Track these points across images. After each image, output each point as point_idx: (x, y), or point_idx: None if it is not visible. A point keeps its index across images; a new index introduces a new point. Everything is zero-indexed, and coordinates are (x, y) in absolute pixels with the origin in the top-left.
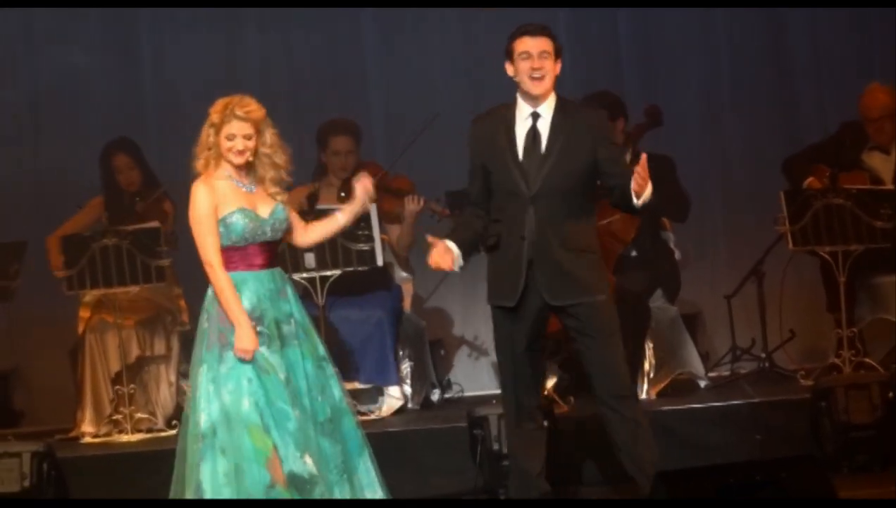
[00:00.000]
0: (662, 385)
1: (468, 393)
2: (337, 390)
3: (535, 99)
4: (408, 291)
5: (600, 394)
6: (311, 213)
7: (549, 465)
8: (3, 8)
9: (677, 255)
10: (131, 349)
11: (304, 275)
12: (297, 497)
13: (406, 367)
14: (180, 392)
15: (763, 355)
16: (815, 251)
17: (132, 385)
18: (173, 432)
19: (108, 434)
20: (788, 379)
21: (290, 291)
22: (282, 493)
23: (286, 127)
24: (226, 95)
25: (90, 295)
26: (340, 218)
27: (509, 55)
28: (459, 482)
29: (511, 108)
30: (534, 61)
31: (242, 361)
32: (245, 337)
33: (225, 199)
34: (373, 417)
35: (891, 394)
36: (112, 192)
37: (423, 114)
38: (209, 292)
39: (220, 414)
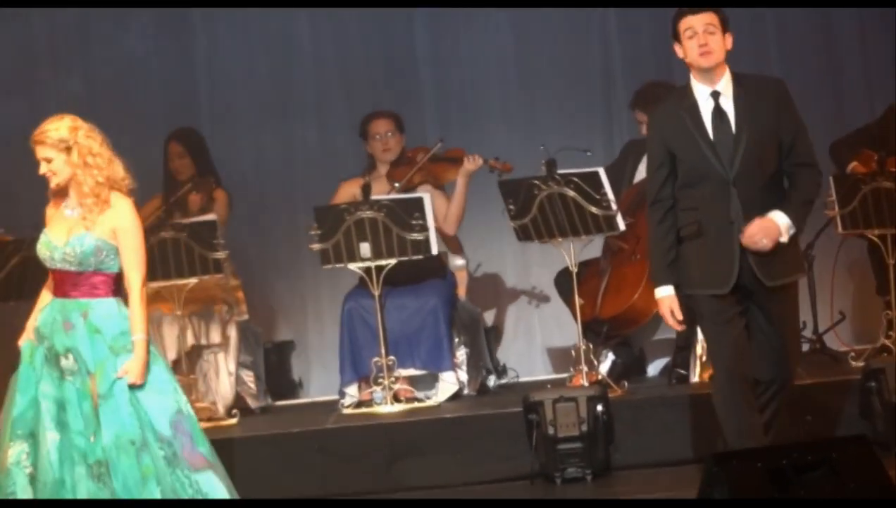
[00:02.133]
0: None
1: (523, 379)
2: (111, 430)
3: (709, 77)
4: (462, 278)
5: (773, 367)
6: (366, 203)
7: (605, 445)
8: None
9: None
10: (187, 338)
11: (360, 265)
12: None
13: (461, 354)
14: (240, 382)
15: (814, 337)
16: (864, 235)
17: (192, 375)
18: (233, 421)
19: None
20: (839, 361)
21: (82, 325)
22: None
23: (338, 119)
24: (276, 86)
25: (149, 288)
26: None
27: (676, 37)
28: (515, 467)
29: (688, 91)
30: (700, 37)
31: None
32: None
33: (48, 220)
34: (429, 403)
35: None
36: (168, 180)
37: (471, 105)
38: None
39: None
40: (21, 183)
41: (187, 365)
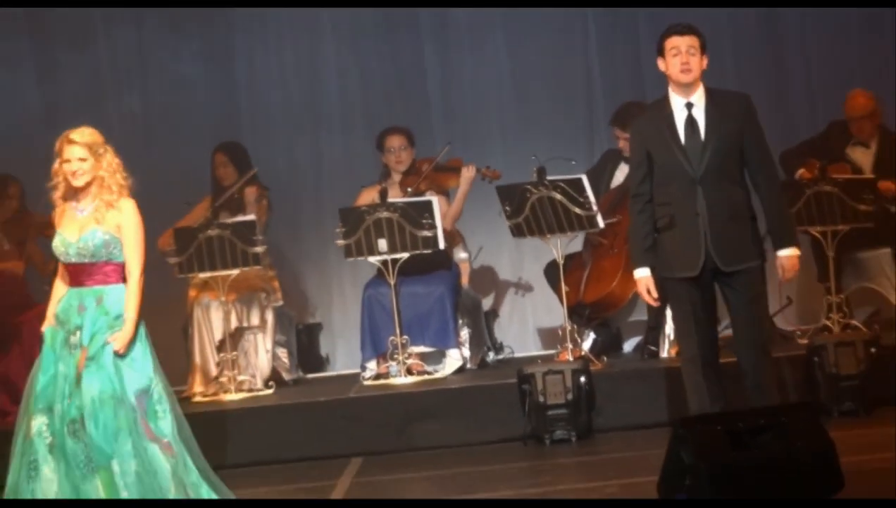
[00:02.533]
0: None
1: (517, 355)
2: (95, 386)
3: (686, 90)
4: (465, 269)
5: (746, 345)
6: (383, 206)
7: (587, 411)
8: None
9: None
10: (231, 321)
11: (378, 258)
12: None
13: (465, 333)
14: (275, 358)
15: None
16: (808, 231)
17: (234, 352)
18: (270, 391)
19: (214, 394)
20: (787, 339)
21: (94, 308)
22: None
23: (359, 133)
24: (306, 104)
25: (197, 278)
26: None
27: (661, 52)
28: (510, 430)
29: (666, 101)
30: (683, 56)
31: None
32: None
33: (59, 222)
34: (437, 375)
35: (873, 350)
36: (215, 185)
37: (472, 120)
38: None
39: None
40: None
41: (231, 344)
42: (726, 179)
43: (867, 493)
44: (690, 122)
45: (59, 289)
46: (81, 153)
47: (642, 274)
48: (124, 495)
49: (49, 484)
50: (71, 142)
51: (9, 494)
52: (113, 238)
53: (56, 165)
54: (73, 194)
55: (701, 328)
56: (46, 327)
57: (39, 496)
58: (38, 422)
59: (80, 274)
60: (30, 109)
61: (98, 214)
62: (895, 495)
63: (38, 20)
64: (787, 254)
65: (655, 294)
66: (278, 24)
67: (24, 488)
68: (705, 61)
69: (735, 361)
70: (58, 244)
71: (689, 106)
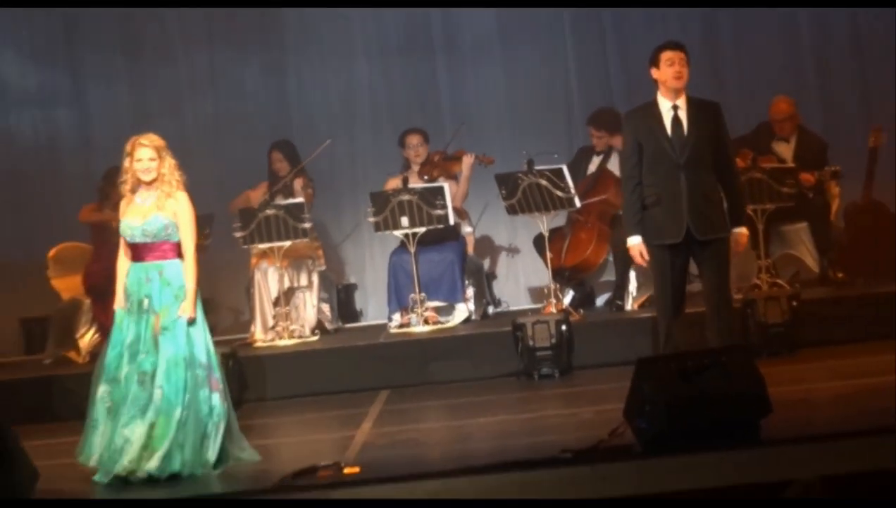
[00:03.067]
0: (641, 300)
1: (512, 308)
2: (171, 350)
3: (674, 95)
4: (470, 240)
5: (714, 303)
6: (406, 191)
7: (568, 353)
8: (197, 46)
9: None
10: (284, 282)
11: (401, 231)
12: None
13: (470, 291)
14: (319, 311)
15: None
16: None
17: (287, 307)
18: (315, 338)
19: (271, 340)
20: None
21: (158, 280)
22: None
23: (387, 133)
24: (344, 110)
25: (258, 247)
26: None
27: (655, 63)
28: (506, 367)
29: (654, 103)
30: (677, 68)
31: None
32: (117, 302)
33: (123, 211)
34: (448, 325)
35: (794, 303)
36: (271, 176)
37: (475, 123)
38: None
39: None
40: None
41: (284, 300)
42: (702, 166)
43: (790, 417)
44: (676, 120)
45: (123, 266)
46: (151, 154)
47: (635, 241)
48: (170, 436)
49: (102, 438)
50: (142, 145)
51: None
52: (171, 222)
53: (126, 163)
54: (139, 187)
55: (675, 287)
56: (117, 307)
57: (95, 446)
58: (103, 389)
59: (143, 251)
60: (124, 115)
61: (159, 202)
62: (807, 418)
63: (129, 41)
64: (741, 231)
65: (647, 256)
66: (321, 46)
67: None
68: (688, 72)
69: (702, 311)
70: (125, 228)
71: (675, 108)
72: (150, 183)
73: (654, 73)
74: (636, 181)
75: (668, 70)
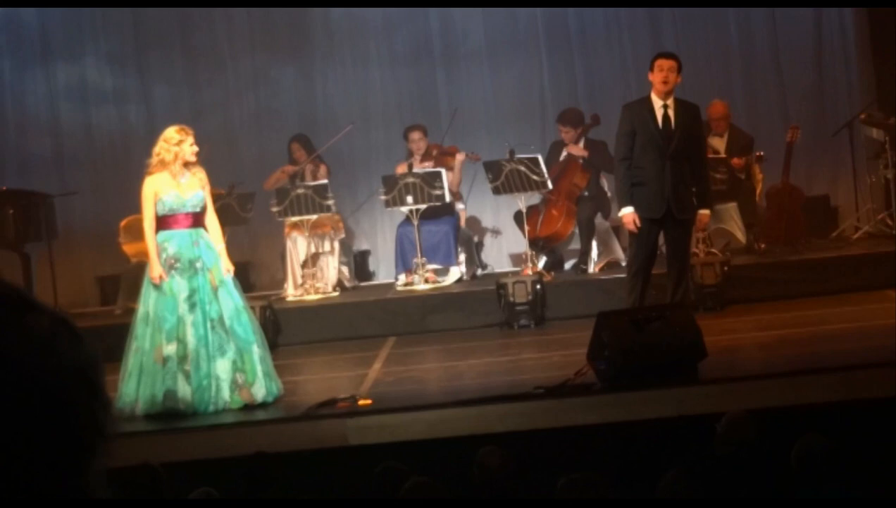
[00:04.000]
0: (602, 264)
1: (496, 271)
2: (230, 302)
3: (664, 95)
4: (462, 215)
5: (677, 267)
6: (411, 175)
7: (541, 307)
8: (242, 53)
9: (608, 194)
10: (311, 248)
11: (407, 207)
12: (165, 368)
13: (462, 256)
14: (340, 272)
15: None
16: None
17: (313, 268)
18: (336, 293)
19: (300, 295)
20: None
21: (203, 243)
22: (158, 367)
23: (395, 128)
24: (361, 107)
25: (290, 220)
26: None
27: (651, 67)
28: (491, 319)
29: (648, 100)
30: (664, 73)
31: (154, 286)
32: (152, 271)
33: (159, 186)
34: (444, 284)
35: (725, 268)
36: (293, 163)
37: (468, 119)
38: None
39: (143, 315)
40: (241, 162)
41: (311, 263)
42: (683, 157)
43: (722, 361)
44: (665, 116)
45: (153, 240)
46: (195, 147)
47: (628, 211)
48: (258, 368)
49: (179, 382)
50: (189, 133)
51: (145, 406)
52: (204, 195)
53: (175, 147)
54: (177, 166)
55: (648, 255)
56: (160, 280)
57: (180, 392)
58: (169, 349)
59: (191, 219)
60: (182, 111)
61: (194, 179)
62: (736, 362)
63: (186, 49)
64: (706, 212)
65: (639, 223)
66: (343, 55)
67: (159, 396)
68: (679, 78)
69: (664, 273)
70: (175, 201)
71: (665, 106)
72: (187, 163)
73: (650, 75)
74: (628, 163)
75: (658, 75)
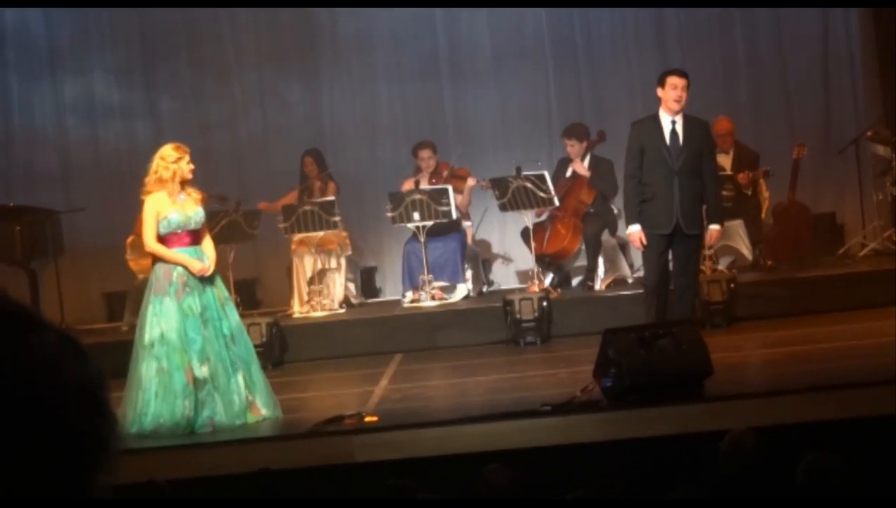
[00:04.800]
0: (609, 281)
1: (503, 287)
2: (235, 318)
3: (674, 113)
4: (469, 232)
5: (685, 283)
6: (418, 191)
7: (548, 324)
8: (248, 69)
9: (615, 211)
10: (317, 264)
11: (413, 224)
12: (196, 391)
13: (469, 273)
14: (346, 289)
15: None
16: None
17: (320, 285)
18: (342, 310)
19: (307, 312)
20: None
21: (206, 260)
22: (191, 390)
23: (403, 144)
24: (368, 124)
25: (296, 236)
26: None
27: (662, 84)
28: (497, 335)
29: (657, 117)
30: (678, 92)
31: (173, 305)
32: (193, 265)
33: (159, 206)
34: (450, 300)
35: (732, 285)
36: (302, 178)
37: (475, 137)
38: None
39: (158, 336)
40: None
41: (318, 279)
42: (692, 173)
43: (728, 378)
44: (674, 133)
45: (170, 250)
46: (189, 159)
47: (635, 229)
48: (257, 386)
49: (217, 403)
50: (186, 151)
51: (170, 427)
52: (203, 212)
53: (174, 165)
54: (175, 184)
55: (661, 270)
56: (182, 296)
57: (218, 415)
58: (203, 371)
59: (194, 236)
60: (189, 126)
61: (190, 198)
62: (742, 379)
63: (194, 63)
64: (717, 228)
65: (645, 242)
66: (350, 71)
67: (195, 417)
68: (687, 96)
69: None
70: (182, 218)
71: (674, 123)
72: (172, 186)
73: (660, 92)
74: (637, 180)
75: (671, 93)
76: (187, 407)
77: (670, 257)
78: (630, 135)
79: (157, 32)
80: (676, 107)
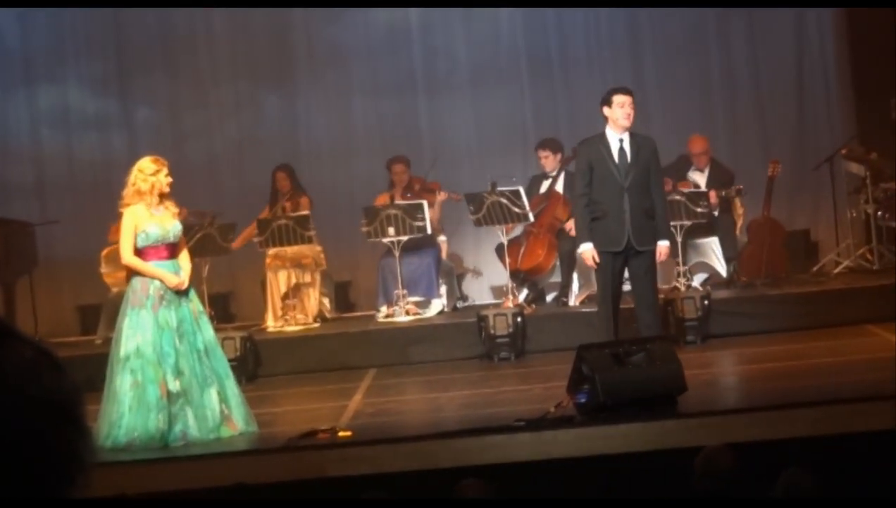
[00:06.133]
0: (583, 297)
1: (477, 303)
2: (209, 332)
3: (622, 131)
4: (444, 247)
5: (645, 302)
6: (392, 206)
7: (522, 339)
8: (223, 83)
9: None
10: (291, 279)
11: (388, 239)
12: (170, 405)
13: (443, 289)
14: (321, 303)
15: None
16: None
17: (294, 299)
18: (317, 325)
19: (281, 326)
20: None
21: (182, 274)
22: (164, 403)
23: (377, 159)
24: (344, 138)
25: (271, 250)
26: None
27: (608, 103)
28: (471, 351)
29: (604, 136)
30: (626, 109)
31: (150, 319)
32: (170, 280)
33: (138, 220)
34: (425, 315)
35: (706, 302)
36: (273, 194)
37: (449, 151)
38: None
39: (134, 348)
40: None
41: (292, 294)
42: (641, 190)
43: (701, 394)
44: (622, 151)
45: (147, 264)
46: (168, 172)
47: (587, 247)
48: (232, 400)
49: (189, 417)
50: (164, 164)
51: (144, 441)
52: (180, 226)
53: (152, 178)
54: (153, 197)
55: (614, 287)
56: (158, 309)
57: (191, 428)
58: (175, 385)
59: (171, 250)
60: (165, 137)
61: (168, 212)
62: (715, 395)
63: (170, 73)
64: (666, 243)
65: (597, 259)
66: (326, 85)
67: (168, 431)
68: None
69: (631, 308)
70: (160, 232)
71: (621, 141)
72: (150, 199)
73: (606, 110)
74: (587, 199)
75: (620, 111)
76: (161, 420)
77: (625, 275)
78: (578, 153)
79: (132, 43)
80: (627, 123)
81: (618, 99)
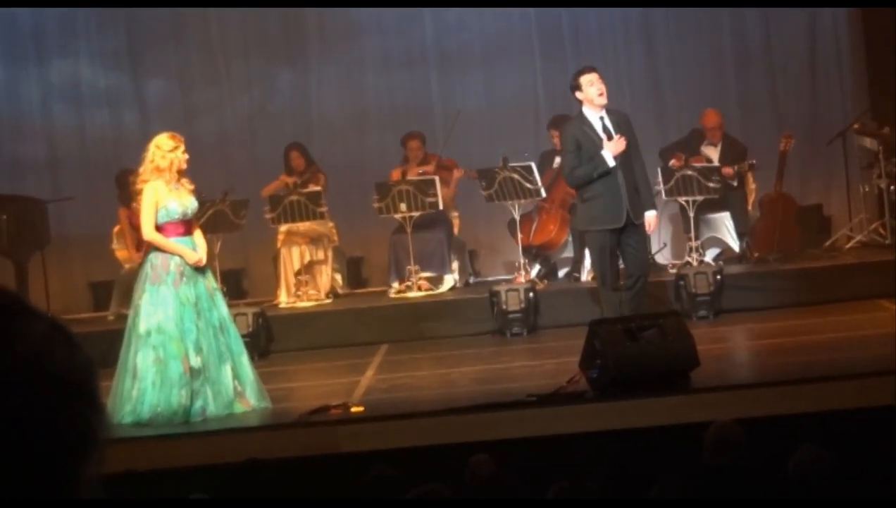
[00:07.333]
0: (594, 273)
1: (489, 278)
2: (223, 309)
3: (599, 109)
4: (456, 223)
5: (637, 271)
6: (404, 182)
7: (534, 315)
8: (235, 60)
9: None
10: (304, 256)
11: (400, 215)
12: (192, 381)
13: (455, 264)
14: (333, 279)
15: (651, 256)
16: (677, 200)
17: (307, 275)
18: (329, 300)
19: (293, 302)
20: (663, 269)
21: (197, 249)
22: (187, 379)
23: (391, 135)
24: (356, 115)
25: (284, 226)
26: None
27: (577, 87)
28: (484, 327)
29: (583, 116)
30: (599, 85)
31: (171, 294)
32: (190, 256)
33: (158, 195)
34: (437, 291)
35: (718, 277)
36: (289, 171)
37: (462, 128)
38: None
39: (155, 325)
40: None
41: (304, 270)
42: (628, 164)
43: (714, 369)
44: (605, 128)
45: (167, 240)
46: (184, 149)
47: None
48: (245, 377)
49: (209, 394)
50: (181, 140)
51: (168, 416)
52: (196, 202)
53: (171, 154)
54: (172, 173)
55: (613, 263)
56: (179, 285)
57: (210, 405)
58: (197, 361)
59: (189, 226)
60: (176, 114)
61: (185, 187)
62: (727, 370)
63: (181, 50)
64: (654, 213)
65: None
66: (338, 60)
67: (190, 406)
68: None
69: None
70: (177, 207)
71: (602, 118)
72: (169, 175)
73: (579, 94)
74: (581, 168)
75: (591, 89)
76: (183, 396)
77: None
78: (562, 134)
79: (143, 18)
80: (603, 100)
81: (585, 79)
